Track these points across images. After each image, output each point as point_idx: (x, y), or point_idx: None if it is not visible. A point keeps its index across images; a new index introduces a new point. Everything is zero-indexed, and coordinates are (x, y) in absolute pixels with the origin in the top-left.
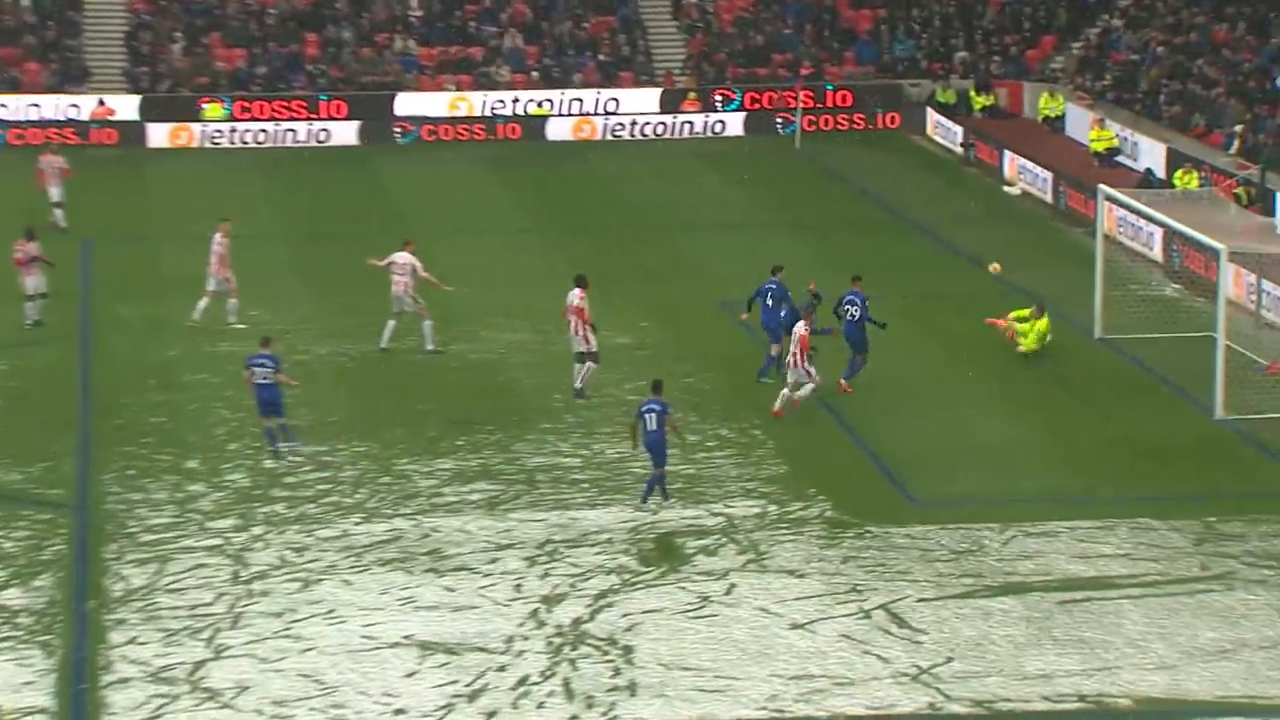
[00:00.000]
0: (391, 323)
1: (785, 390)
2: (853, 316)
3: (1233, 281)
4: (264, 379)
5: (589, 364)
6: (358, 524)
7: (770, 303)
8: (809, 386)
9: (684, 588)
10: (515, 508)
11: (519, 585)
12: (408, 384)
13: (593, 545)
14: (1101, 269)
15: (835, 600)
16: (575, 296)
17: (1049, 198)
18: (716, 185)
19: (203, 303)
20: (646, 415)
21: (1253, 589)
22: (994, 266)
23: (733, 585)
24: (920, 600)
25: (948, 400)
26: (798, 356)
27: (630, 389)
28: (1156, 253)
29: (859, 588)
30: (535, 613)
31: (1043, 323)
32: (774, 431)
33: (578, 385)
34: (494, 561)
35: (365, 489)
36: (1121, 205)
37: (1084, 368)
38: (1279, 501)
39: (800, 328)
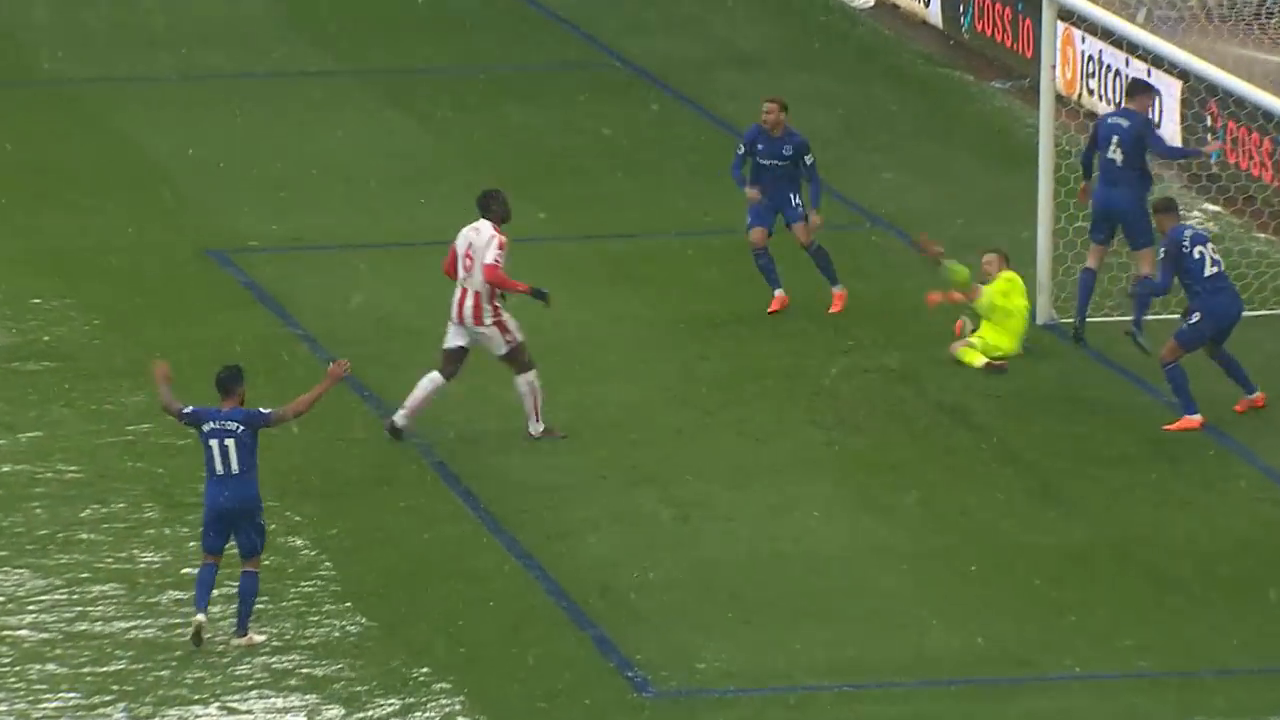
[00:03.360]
0: None
1: None
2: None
3: None
4: None
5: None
6: None
7: (1116, 156)
8: None
9: None
10: None
11: None
12: None
13: None
14: (1049, 176)
15: None
16: None
17: (935, 15)
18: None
19: None
20: (214, 441)
21: None
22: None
23: None
24: None
25: (712, 457)
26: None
27: (10, 445)
28: (1172, 129)
29: None
30: None
31: (1001, 282)
32: (333, 541)
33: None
34: None
35: None
36: (1091, 27)
37: (1012, 385)
38: None
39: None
